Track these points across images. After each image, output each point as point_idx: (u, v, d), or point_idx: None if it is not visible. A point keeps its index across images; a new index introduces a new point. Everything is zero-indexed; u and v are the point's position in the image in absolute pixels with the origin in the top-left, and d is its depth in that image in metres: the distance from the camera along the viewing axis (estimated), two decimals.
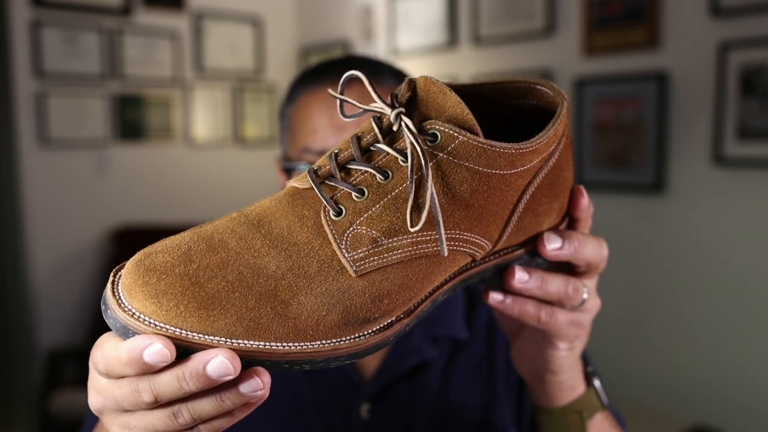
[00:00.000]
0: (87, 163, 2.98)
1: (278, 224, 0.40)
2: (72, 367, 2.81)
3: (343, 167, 0.41)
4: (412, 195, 0.39)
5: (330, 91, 0.43)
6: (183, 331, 0.35)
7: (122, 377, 0.36)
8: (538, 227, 0.46)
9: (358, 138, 0.42)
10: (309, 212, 0.40)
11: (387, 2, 3.05)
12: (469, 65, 2.73)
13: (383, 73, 0.77)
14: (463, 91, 0.45)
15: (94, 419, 0.72)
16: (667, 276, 2.16)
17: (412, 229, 0.39)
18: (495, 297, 0.48)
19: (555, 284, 0.48)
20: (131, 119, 3.07)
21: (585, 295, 0.50)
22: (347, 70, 0.76)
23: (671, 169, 2.13)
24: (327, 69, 0.79)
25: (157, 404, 0.36)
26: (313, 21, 3.50)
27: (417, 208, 0.40)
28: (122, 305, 0.36)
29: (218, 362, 0.34)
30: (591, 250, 0.48)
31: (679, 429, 2.00)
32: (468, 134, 0.40)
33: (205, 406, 0.36)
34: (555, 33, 2.41)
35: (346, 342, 0.39)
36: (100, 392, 0.38)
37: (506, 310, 0.48)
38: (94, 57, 2.95)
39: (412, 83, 0.42)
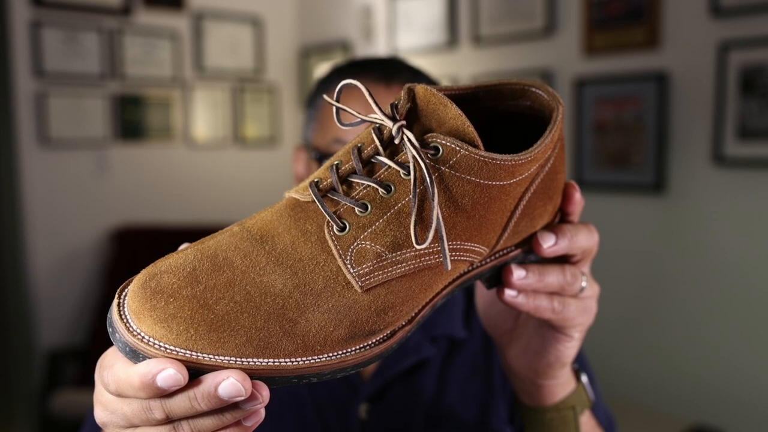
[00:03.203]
0: (87, 163, 2.98)
1: (282, 239, 0.40)
2: (72, 367, 2.81)
3: (344, 180, 0.41)
4: (415, 210, 0.39)
5: (326, 97, 0.43)
6: (194, 353, 0.35)
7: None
8: (533, 228, 0.47)
9: (359, 149, 0.41)
10: (312, 227, 0.40)
11: (387, 2, 3.05)
12: (469, 65, 2.73)
13: (421, 80, 0.77)
14: (459, 95, 0.45)
15: (95, 421, 0.72)
16: (667, 276, 2.16)
17: (418, 246, 0.39)
18: (509, 293, 0.48)
19: (553, 275, 0.49)
20: (131, 119, 3.07)
21: (584, 283, 0.51)
22: (389, 70, 0.77)
23: (671, 169, 2.13)
24: (368, 66, 0.79)
25: (166, 420, 0.36)
26: (313, 21, 3.50)
27: (421, 221, 0.40)
28: (131, 329, 0.36)
29: (229, 384, 0.34)
30: (583, 238, 0.49)
31: (679, 429, 2.00)
32: (470, 148, 0.39)
33: (206, 421, 0.36)
34: (555, 33, 2.41)
35: (352, 353, 0.39)
36: (106, 407, 0.39)
37: (521, 306, 0.49)
38: (94, 57, 2.95)
39: (411, 93, 0.42)
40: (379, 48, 3.10)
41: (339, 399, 0.74)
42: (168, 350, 0.35)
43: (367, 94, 0.41)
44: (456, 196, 0.40)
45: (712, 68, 2.01)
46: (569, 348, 0.54)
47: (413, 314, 0.42)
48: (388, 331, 0.41)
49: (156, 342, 0.35)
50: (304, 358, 0.37)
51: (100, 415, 0.39)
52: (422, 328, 0.77)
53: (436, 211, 0.38)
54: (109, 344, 0.40)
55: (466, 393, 0.76)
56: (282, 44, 3.55)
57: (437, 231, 0.40)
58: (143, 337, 0.35)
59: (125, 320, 0.36)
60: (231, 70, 3.37)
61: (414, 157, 0.39)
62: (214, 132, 3.34)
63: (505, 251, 0.47)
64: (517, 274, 0.47)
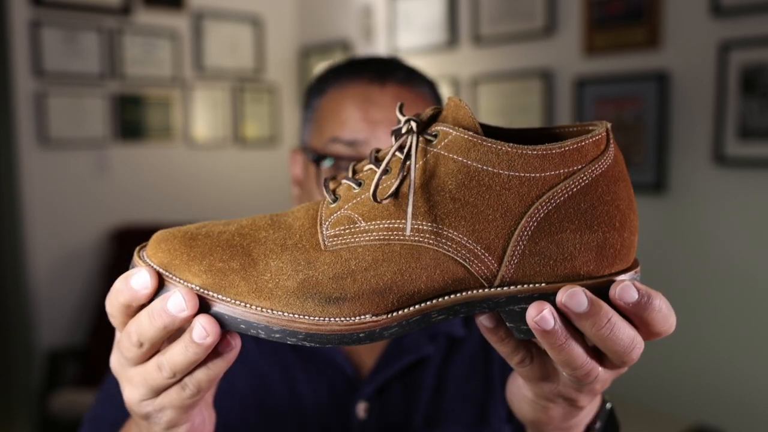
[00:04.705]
0: (87, 163, 2.97)
1: (291, 215, 0.44)
2: (72, 367, 2.81)
3: (356, 172, 0.45)
4: (398, 179, 0.41)
5: (398, 114, 0.45)
6: (167, 273, 0.41)
7: (124, 318, 0.42)
8: (565, 259, 0.41)
9: (377, 151, 0.45)
10: (316, 206, 0.44)
11: (387, 2, 3.05)
12: (470, 65, 2.73)
13: (416, 79, 0.79)
14: (512, 133, 0.44)
15: (93, 418, 0.72)
16: (668, 276, 2.15)
17: (377, 200, 0.41)
18: (485, 323, 0.44)
19: (578, 351, 0.40)
20: (131, 119, 3.07)
21: (599, 384, 0.44)
22: (383, 70, 0.78)
23: (672, 169, 2.13)
24: (363, 66, 0.80)
25: (142, 348, 0.41)
26: (313, 21, 3.50)
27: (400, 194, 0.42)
28: (140, 254, 0.43)
29: (176, 298, 0.39)
30: (626, 336, 0.40)
31: (679, 429, 2.00)
32: (461, 129, 0.40)
33: (176, 355, 0.40)
34: (555, 33, 2.41)
35: (305, 319, 0.40)
36: (116, 347, 0.44)
37: (487, 334, 0.44)
38: (94, 57, 2.95)
39: (439, 108, 0.44)
40: (379, 48, 3.10)
41: (337, 398, 0.74)
42: (151, 265, 0.41)
43: (397, 110, 0.44)
44: (441, 174, 0.41)
45: (712, 68, 2.01)
46: (540, 414, 0.49)
47: (387, 305, 0.40)
48: (354, 316, 0.40)
49: (146, 257, 0.42)
50: (255, 305, 0.40)
51: (112, 360, 0.45)
52: None
53: (412, 167, 0.40)
54: (109, 345, 0.44)
55: (465, 391, 0.76)
56: (282, 44, 3.55)
57: (406, 192, 0.41)
58: (141, 255, 0.42)
59: (142, 248, 0.44)
60: (231, 70, 3.37)
61: (411, 139, 0.41)
62: (214, 132, 3.34)
63: (529, 283, 0.41)
64: (545, 318, 0.38)
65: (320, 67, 3.40)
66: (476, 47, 2.69)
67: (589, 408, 0.51)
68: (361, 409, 0.73)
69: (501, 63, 2.61)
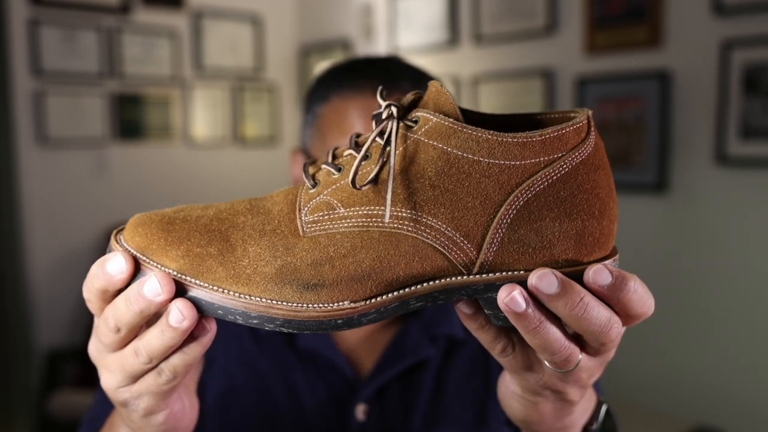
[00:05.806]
0: (86, 163, 2.97)
1: (270, 200, 0.44)
2: (71, 367, 2.81)
3: (336, 156, 0.44)
4: (377, 165, 0.40)
5: (378, 96, 0.44)
6: (144, 258, 0.40)
7: (101, 303, 0.41)
8: (544, 247, 0.41)
9: (357, 135, 0.44)
10: (295, 191, 0.44)
11: (387, 1, 3.04)
12: (470, 64, 2.72)
13: (425, 82, 0.76)
14: (494, 119, 0.44)
15: (92, 419, 0.72)
16: (669, 276, 2.15)
17: (356, 187, 0.40)
18: (463, 309, 0.43)
19: (554, 335, 0.40)
20: (130, 118, 3.07)
21: (585, 374, 0.43)
22: (389, 80, 0.76)
23: (673, 168, 2.12)
24: (368, 71, 0.78)
25: (120, 333, 0.41)
26: (313, 20, 3.50)
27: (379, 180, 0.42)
28: (117, 237, 0.43)
29: (152, 282, 0.38)
30: (602, 315, 0.39)
31: (679, 429, 1.99)
32: (441, 116, 0.40)
33: (153, 340, 0.40)
34: (556, 32, 2.40)
35: (283, 305, 0.39)
36: (94, 334, 0.43)
37: (466, 321, 0.44)
38: (93, 56, 2.94)
39: (420, 93, 0.44)
40: (380, 47, 3.09)
41: (336, 399, 0.74)
42: (128, 250, 0.41)
43: (378, 93, 0.43)
44: (421, 161, 0.40)
45: (714, 67, 2.00)
46: (530, 410, 0.47)
47: (366, 292, 0.40)
48: (331, 302, 0.40)
49: (122, 241, 0.42)
50: (233, 291, 0.39)
51: (90, 347, 0.44)
52: (421, 327, 0.76)
53: (391, 159, 0.40)
54: None
55: (465, 393, 0.75)
56: (282, 43, 3.54)
57: (384, 180, 0.40)
58: (118, 239, 0.42)
59: (119, 231, 0.43)
60: (230, 69, 3.36)
61: (391, 125, 0.41)
62: (214, 131, 3.33)
63: (507, 270, 0.41)
64: (515, 299, 0.38)
65: (321, 66, 3.39)
66: (477, 46, 2.69)
67: (584, 407, 0.51)
68: (360, 410, 0.73)
69: (502, 62, 2.60)
